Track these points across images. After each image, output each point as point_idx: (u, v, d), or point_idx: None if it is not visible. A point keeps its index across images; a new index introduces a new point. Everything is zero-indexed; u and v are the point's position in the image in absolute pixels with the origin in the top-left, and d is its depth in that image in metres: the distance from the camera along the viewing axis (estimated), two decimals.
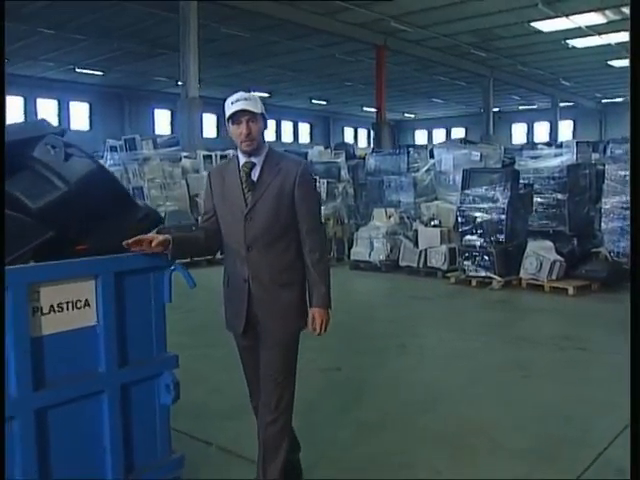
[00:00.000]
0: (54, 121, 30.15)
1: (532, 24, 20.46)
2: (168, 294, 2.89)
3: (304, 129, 42.17)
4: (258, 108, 2.77)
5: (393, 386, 4.83)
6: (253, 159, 2.83)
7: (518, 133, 39.44)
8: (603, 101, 36.12)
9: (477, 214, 8.94)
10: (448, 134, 42.78)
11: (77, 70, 27.07)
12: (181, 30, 16.98)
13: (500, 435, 3.88)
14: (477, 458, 3.57)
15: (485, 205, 8.90)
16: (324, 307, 2.86)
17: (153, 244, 2.64)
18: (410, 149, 12.30)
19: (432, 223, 9.74)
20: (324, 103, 37.25)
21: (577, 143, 10.23)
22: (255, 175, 2.83)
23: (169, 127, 34.86)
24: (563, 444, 3.74)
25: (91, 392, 2.67)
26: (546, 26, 20.66)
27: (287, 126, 40.61)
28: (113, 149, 12.56)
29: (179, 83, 26.44)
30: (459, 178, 10.71)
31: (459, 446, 3.72)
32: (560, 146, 10.79)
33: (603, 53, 23.87)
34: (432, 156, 11.62)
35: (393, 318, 7.31)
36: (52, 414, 2.53)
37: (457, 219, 9.25)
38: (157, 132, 32.92)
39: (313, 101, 36.42)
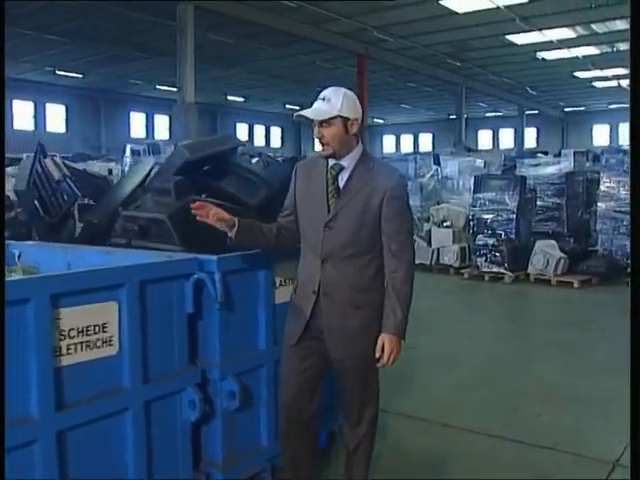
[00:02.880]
0: (30, 123, 30.36)
1: (507, 37, 21.68)
2: None
3: (276, 133, 42.89)
4: (323, 114, 2.47)
5: (466, 358, 5.65)
6: (343, 162, 2.58)
7: (484, 139, 40.94)
8: (566, 110, 37.89)
9: (489, 215, 9.85)
10: (416, 140, 44.05)
11: (57, 72, 27.10)
12: (178, 38, 17.42)
13: (571, 389, 4.82)
14: (562, 405, 4.47)
15: (496, 207, 9.82)
16: (397, 336, 2.53)
17: (215, 217, 2.49)
18: (417, 156, 13.18)
19: (444, 224, 10.60)
20: (297, 108, 37.92)
21: (575, 152, 11.30)
22: (342, 180, 2.58)
23: (144, 130, 35.09)
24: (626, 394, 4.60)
25: None
26: (520, 39, 21.89)
27: (260, 130, 41.29)
28: (135, 153, 13.10)
29: (161, 87, 27.03)
30: (462, 182, 11.69)
31: (544, 398, 4.62)
32: (559, 155, 11.84)
33: (570, 65, 25.25)
34: (436, 163, 12.51)
35: (426, 307, 8.08)
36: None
37: (469, 220, 10.15)
38: (132, 135, 33.14)
39: (287, 106, 37.10)
